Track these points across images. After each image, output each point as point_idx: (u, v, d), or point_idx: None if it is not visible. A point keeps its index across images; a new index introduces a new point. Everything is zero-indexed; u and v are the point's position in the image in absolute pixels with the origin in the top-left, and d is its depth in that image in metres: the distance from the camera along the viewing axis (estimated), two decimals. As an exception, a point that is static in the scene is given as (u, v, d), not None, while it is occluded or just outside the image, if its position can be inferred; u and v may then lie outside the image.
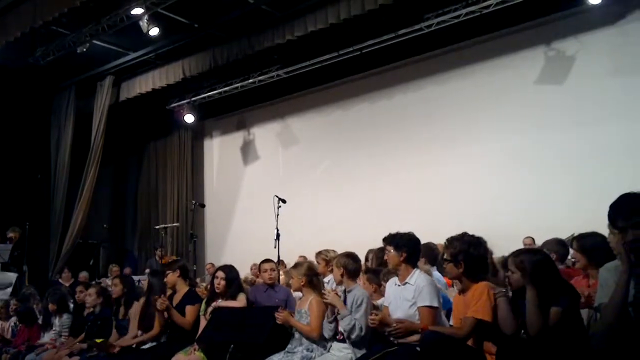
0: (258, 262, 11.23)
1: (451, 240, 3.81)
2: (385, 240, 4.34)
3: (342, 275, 4.60)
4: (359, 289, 4.52)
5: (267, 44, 10.19)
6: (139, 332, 5.75)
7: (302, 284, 4.75)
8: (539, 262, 3.35)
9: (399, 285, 4.21)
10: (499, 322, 3.42)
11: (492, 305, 3.53)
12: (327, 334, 4.44)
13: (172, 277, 5.67)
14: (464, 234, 3.82)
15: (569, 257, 5.32)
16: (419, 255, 4.38)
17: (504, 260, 5.13)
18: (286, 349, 4.61)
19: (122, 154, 15.07)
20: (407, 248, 4.19)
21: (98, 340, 5.82)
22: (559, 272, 3.56)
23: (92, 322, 6.52)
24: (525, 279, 3.28)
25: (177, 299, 5.58)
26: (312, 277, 4.75)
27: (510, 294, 3.58)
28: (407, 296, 4.09)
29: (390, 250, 4.23)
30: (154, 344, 5.51)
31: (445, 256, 3.82)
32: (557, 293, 3.23)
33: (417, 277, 4.10)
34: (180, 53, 11.37)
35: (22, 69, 11.51)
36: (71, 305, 7.25)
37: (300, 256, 10.14)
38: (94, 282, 9.10)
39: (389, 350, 3.90)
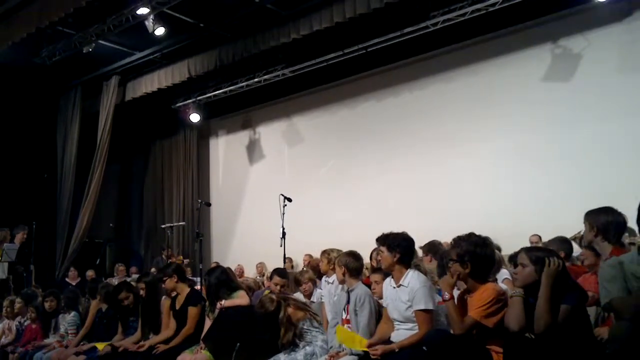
0: (264, 262, 11.33)
1: (458, 241, 3.77)
2: (378, 240, 4.29)
3: (344, 274, 4.59)
4: (362, 287, 4.50)
5: (272, 42, 10.18)
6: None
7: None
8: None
9: (394, 287, 4.16)
10: (506, 319, 3.40)
11: (495, 311, 3.52)
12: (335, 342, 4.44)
13: (170, 282, 5.66)
14: (471, 234, 3.78)
15: (578, 254, 5.30)
16: (412, 255, 4.32)
17: (512, 256, 5.13)
18: (291, 347, 4.61)
19: (128, 154, 15.11)
20: (400, 248, 4.13)
21: (100, 347, 5.83)
22: (568, 271, 3.55)
23: (98, 320, 6.55)
24: (545, 275, 3.26)
25: (180, 301, 5.59)
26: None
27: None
28: (402, 298, 4.05)
29: (384, 251, 4.18)
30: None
31: (451, 256, 3.78)
32: (565, 291, 3.22)
33: (411, 279, 4.04)
34: (185, 52, 11.39)
35: (28, 68, 11.54)
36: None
37: (306, 255, 10.20)
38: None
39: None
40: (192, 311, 5.42)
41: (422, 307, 3.90)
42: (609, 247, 3.67)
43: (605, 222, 3.69)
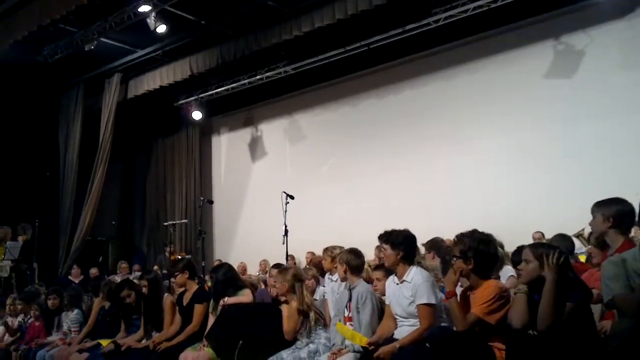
0: (267, 259, 11.32)
1: (461, 237, 3.78)
2: (381, 238, 4.29)
3: (345, 272, 4.59)
4: (363, 285, 4.50)
5: (274, 40, 10.18)
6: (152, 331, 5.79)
7: (285, 290, 4.75)
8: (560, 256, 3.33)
9: (397, 284, 4.19)
10: (509, 316, 3.40)
11: (498, 307, 3.53)
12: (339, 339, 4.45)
13: (181, 278, 5.70)
14: (474, 231, 3.79)
15: (584, 252, 5.28)
16: (415, 252, 4.35)
17: (514, 254, 5.12)
18: (294, 345, 4.61)
19: (130, 151, 15.13)
20: (404, 246, 4.16)
21: (104, 343, 5.84)
22: (573, 268, 3.54)
23: (101, 318, 6.56)
24: (547, 269, 3.26)
25: (187, 297, 5.60)
26: (294, 283, 4.73)
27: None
28: (405, 294, 4.08)
29: (387, 248, 4.19)
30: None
31: (454, 252, 3.79)
32: (569, 287, 3.22)
33: (414, 274, 4.08)
34: (187, 50, 11.38)
35: (30, 66, 11.54)
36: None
37: (308, 252, 10.20)
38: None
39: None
40: (198, 308, 5.42)
41: (425, 301, 3.93)
42: (621, 239, 3.64)
43: (619, 211, 3.65)
